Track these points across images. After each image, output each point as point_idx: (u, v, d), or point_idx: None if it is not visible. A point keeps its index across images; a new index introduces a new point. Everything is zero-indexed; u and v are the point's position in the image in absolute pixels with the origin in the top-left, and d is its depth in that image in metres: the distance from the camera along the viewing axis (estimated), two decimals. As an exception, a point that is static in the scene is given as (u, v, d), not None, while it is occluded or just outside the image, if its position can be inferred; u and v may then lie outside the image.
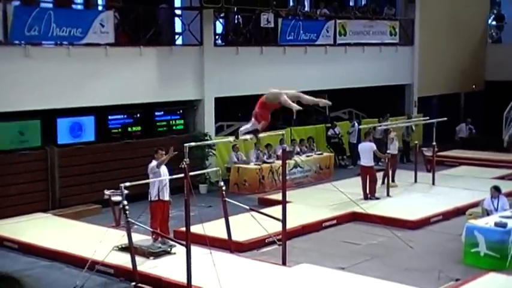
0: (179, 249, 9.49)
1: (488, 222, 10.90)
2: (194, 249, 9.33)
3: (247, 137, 9.82)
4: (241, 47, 17.50)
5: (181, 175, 9.21)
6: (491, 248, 10.44)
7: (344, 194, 12.64)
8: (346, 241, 12.02)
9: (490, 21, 26.31)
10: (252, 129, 9.50)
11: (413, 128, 19.39)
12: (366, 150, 15.05)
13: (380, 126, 17.29)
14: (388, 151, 15.75)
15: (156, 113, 16.07)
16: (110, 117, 15.12)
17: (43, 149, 13.76)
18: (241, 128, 9.65)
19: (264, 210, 11.79)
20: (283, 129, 15.25)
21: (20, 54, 13.20)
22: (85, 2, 15.64)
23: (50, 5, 14.89)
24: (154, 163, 10.95)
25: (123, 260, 9.98)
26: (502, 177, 17.03)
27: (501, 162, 19.07)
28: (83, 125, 14.52)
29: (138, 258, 9.78)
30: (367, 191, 14.69)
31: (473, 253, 10.60)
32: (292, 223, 11.46)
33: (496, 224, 10.59)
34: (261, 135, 10.24)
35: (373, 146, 15.06)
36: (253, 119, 9.48)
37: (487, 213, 11.87)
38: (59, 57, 13.87)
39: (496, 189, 12.08)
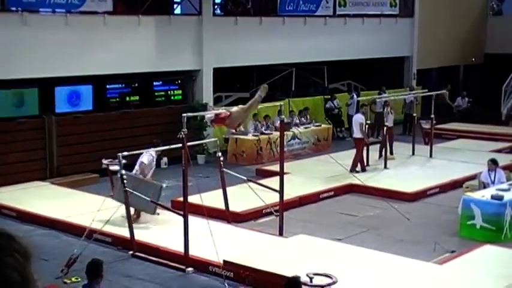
0: (177, 219, 9.51)
1: (484, 195, 10.93)
2: (192, 219, 9.36)
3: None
4: (240, 18, 17.35)
5: (179, 145, 9.20)
6: (487, 220, 10.49)
7: (341, 166, 12.65)
8: (343, 212, 12.06)
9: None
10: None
11: (417, 100, 19.28)
12: (354, 122, 15.04)
13: (380, 98, 17.20)
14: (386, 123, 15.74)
15: (154, 83, 16.01)
16: (107, 86, 15.05)
17: (41, 118, 13.71)
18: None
19: (262, 181, 11.81)
20: (281, 101, 15.20)
21: (16, 22, 13.08)
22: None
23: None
24: (150, 157, 10.93)
25: (121, 229, 10.02)
26: (499, 151, 17.03)
27: (499, 135, 19.07)
28: (80, 94, 14.46)
29: (135, 227, 9.81)
30: (353, 164, 14.57)
31: (469, 225, 10.65)
32: (289, 194, 11.49)
33: (493, 197, 10.63)
34: (259, 106, 10.29)
35: (359, 118, 14.95)
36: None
37: (484, 186, 11.89)
38: (57, 25, 13.75)
39: (493, 162, 12.09)
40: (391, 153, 15.92)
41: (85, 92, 14.50)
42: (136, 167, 11.00)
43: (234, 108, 9.73)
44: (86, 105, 14.50)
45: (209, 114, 10.20)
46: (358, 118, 14.96)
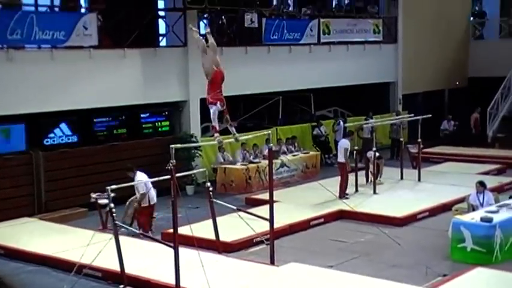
0: (167, 251, 9.44)
1: (474, 217, 10.96)
2: (182, 250, 9.29)
3: (216, 140, 9.85)
4: (225, 47, 17.42)
5: (168, 177, 9.19)
6: (478, 242, 10.51)
7: (331, 192, 12.67)
8: (333, 239, 12.05)
9: (471, 18, 26.48)
10: (217, 114, 9.57)
11: (404, 125, 19.42)
12: (339, 147, 15.11)
13: (367, 124, 17.30)
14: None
15: (142, 115, 16.02)
16: (95, 119, 15.05)
17: (28, 153, 13.67)
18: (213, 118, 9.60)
19: (252, 210, 11.79)
20: (268, 129, 15.26)
21: (2, 58, 13.11)
22: (61, 3, 15.51)
23: (32, 8, 14.80)
24: (140, 176, 11.75)
25: (111, 263, 9.93)
26: (487, 173, 17.16)
27: (486, 157, 19.20)
28: (68, 128, 14.44)
29: (126, 261, 9.74)
30: (340, 189, 14.62)
31: (460, 248, 10.66)
32: (279, 222, 11.47)
33: (482, 219, 10.66)
34: (247, 136, 10.28)
35: (344, 143, 15.01)
36: (212, 106, 9.58)
37: (473, 208, 11.94)
38: (42, 60, 13.78)
39: (481, 185, 12.16)
40: (380, 177, 15.96)
41: (72, 125, 14.48)
42: (137, 194, 11.80)
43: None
44: (73, 139, 14.48)
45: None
46: (344, 143, 15.02)
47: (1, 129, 13.32)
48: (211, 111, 9.54)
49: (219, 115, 9.57)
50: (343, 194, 14.51)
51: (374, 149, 15.62)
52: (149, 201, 12.01)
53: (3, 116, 13.10)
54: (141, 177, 11.94)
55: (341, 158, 14.91)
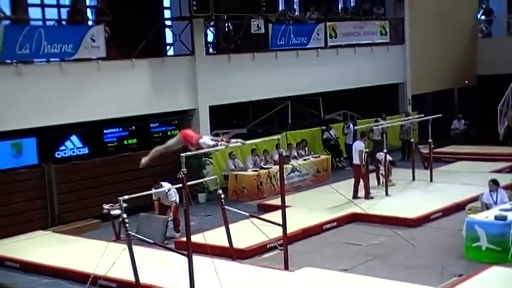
0: (181, 260, 9.45)
1: (488, 216, 10.91)
2: (196, 258, 9.30)
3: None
4: (233, 55, 17.52)
5: (180, 185, 9.21)
6: (493, 241, 10.45)
7: (343, 196, 12.64)
8: (347, 242, 12.02)
9: (479, 16, 26.39)
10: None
11: (414, 125, 19.36)
12: (354, 149, 15.11)
13: (377, 126, 17.31)
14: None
15: (152, 125, 16.07)
16: (105, 131, 15.11)
17: (40, 167, 13.74)
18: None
19: (264, 216, 11.79)
20: (278, 134, 15.28)
21: (12, 73, 13.20)
22: (69, 16, 15.61)
23: (40, 23, 14.91)
24: (166, 186, 12.52)
25: (125, 273, 9.95)
26: (499, 171, 17.05)
27: (498, 155, 19.10)
28: (79, 140, 14.51)
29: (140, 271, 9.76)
30: (354, 190, 14.67)
31: (475, 247, 10.60)
32: (292, 227, 11.44)
33: (496, 218, 10.60)
34: (257, 140, 10.28)
35: (358, 145, 15.02)
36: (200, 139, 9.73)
37: (487, 207, 11.88)
38: (52, 73, 13.87)
39: (494, 183, 12.09)
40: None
41: (82, 137, 14.55)
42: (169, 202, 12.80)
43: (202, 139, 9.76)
44: (84, 150, 14.55)
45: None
46: (358, 146, 15.03)
47: (13, 144, 13.40)
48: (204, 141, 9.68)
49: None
50: (356, 195, 14.52)
51: (385, 150, 15.58)
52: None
53: (14, 130, 13.18)
54: (167, 186, 12.49)
55: (356, 160, 14.90)
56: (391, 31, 22.02)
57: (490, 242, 10.46)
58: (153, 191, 12.20)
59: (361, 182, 14.81)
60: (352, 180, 14.99)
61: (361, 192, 14.81)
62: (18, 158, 13.42)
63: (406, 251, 11.07)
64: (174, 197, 12.74)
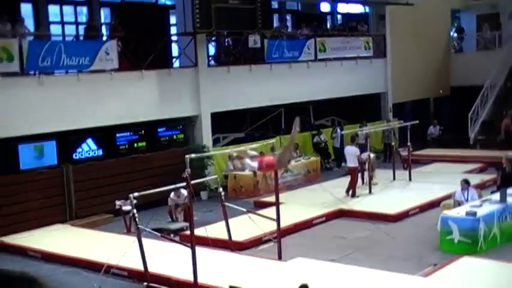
0: (185, 251, 9.46)
1: (460, 212, 10.95)
2: (198, 250, 9.32)
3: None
4: (232, 66, 17.53)
5: (184, 184, 9.22)
6: (464, 234, 10.49)
7: (331, 194, 12.66)
8: (335, 236, 12.03)
9: (452, 33, 26.49)
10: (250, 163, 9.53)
11: (395, 132, 19.40)
12: (351, 154, 15.11)
13: (362, 131, 17.34)
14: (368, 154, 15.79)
15: (159, 129, 16.07)
16: (117, 135, 15.11)
17: (59, 167, 13.74)
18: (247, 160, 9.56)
19: (260, 212, 11.81)
20: (273, 138, 15.29)
21: (34, 83, 13.20)
22: (85, 32, 15.63)
23: (60, 38, 14.92)
24: (184, 193, 12.11)
25: (135, 263, 9.96)
26: (470, 171, 17.11)
27: (469, 158, 19.14)
28: (94, 143, 14.51)
29: (148, 261, 9.77)
30: (349, 189, 14.67)
31: (448, 240, 10.64)
32: (285, 222, 11.46)
33: (467, 213, 10.65)
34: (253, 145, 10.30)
35: (357, 150, 15.10)
36: (251, 160, 9.45)
37: (459, 204, 11.92)
38: (70, 83, 13.87)
39: (466, 182, 12.14)
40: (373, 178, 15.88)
41: (97, 141, 14.54)
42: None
43: (277, 152, 9.58)
44: (99, 153, 14.55)
45: (252, 163, 9.44)
46: (353, 150, 15.08)
47: (35, 146, 13.40)
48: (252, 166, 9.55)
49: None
50: (355, 194, 14.55)
51: (368, 152, 15.61)
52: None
53: (36, 134, 13.18)
54: (185, 192, 12.43)
55: (351, 163, 14.92)
56: (374, 46, 22.05)
57: (462, 235, 10.50)
58: (174, 198, 12.63)
59: (351, 182, 14.78)
60: (342, 180, 15.00)
61: (345, 190, 14.81)
62: (39, 159, 13.41)
63: (387, 243, 11.10)
64: (186, 198, 12.76)
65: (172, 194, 12.65)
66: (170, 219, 13.03)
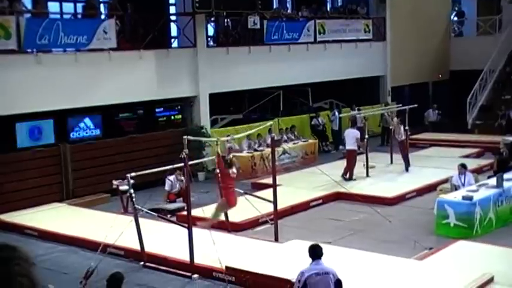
0: (182, 231, 9.48)
1: (456, 196, 10.98)
2: (195, 230, 9.34)
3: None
4: (231, 48, 17.43)
5: (182, 164, 9.21)
6: (460, 219, 10.52)
7: (328, 176, 12.66)
8: (331, 218, 12.06)
9: (452, 17, 26.34)
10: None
11: (393, 114, 19.29)
12: (351, 136, 15.09)
13: (359, 114, 17.25)
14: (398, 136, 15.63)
15: (157, 110, 16.01)
16: (115, 115, 15.04)
17: (56, 146, 13.70)
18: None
19: (257, 194, 11.82)
20: (271, 120, 15.26)
21: (32, 61, 13.12)
22: (84, 10, 15.49)
23: (58, 16, 14.80)
24: (169, 181, 12.77)
25: (132, 242, 9.98)
26: (467, 156, 17.11)
27: (466, 142, 19.14)
28: (91, 123, 14.46)
29: (145, 240, 9.78)
30: (346, 171, 14.67)
31: (444, 224, 10.67)
32: (282, 204, 11.46)
33: (464, 198, 10.67)
34: (252, 130, 10.25)
35: (356, 133, 15.06)
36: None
37: (455, 188, 11.94)
38: (68, 62, 13.79)
39: (463, 167, 12.15)
40: (407, 167, 15.57)
41: (95, 121, 14.49)
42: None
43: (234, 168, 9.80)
44: (97, 132, 14.51)
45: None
46: (354, 133, 15.05)
47: (33, 125, 13.35)
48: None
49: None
50: (352, 177, 14.53)
51: (366, 136, 15.59)
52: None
53: (34, 113, 13.13)
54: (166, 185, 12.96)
55: (350, 146, 14.90)
56: (374, 29, 21.94)
57: (458, 219, 10.53)
58: (171, 180, 12.75)
59: (347, 165, 14.78)
60: (339, 162, 14.99)
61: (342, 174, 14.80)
62: (37, 137, 13.38)
63: (383, 227, 11.12)
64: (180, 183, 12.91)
65: (172, 177, 12.64)
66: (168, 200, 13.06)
